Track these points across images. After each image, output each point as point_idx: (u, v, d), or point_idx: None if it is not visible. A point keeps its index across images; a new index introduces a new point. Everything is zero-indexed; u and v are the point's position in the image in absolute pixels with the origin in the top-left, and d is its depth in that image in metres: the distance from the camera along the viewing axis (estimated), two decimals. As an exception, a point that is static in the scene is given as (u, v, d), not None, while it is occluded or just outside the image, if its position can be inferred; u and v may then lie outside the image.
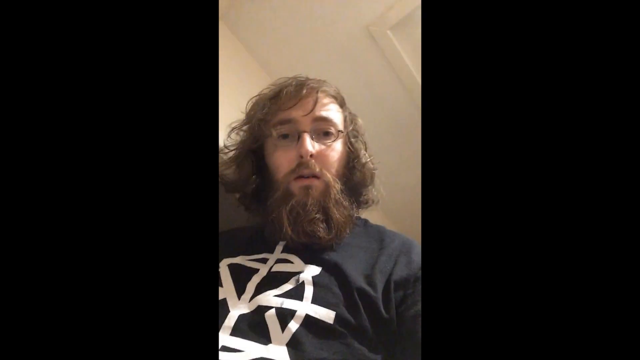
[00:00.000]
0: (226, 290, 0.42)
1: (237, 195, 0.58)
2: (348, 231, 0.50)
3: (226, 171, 0.56)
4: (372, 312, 0.39)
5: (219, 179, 0.56)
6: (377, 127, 1.09)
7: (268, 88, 0.54)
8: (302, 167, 0.48)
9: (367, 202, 0.57)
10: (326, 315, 0.38)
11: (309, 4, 0.91)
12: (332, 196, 0.48)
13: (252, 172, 0.55)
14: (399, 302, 0.41)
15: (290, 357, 0.34)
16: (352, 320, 0.38)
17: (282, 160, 0.49)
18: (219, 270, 0.46)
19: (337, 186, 0.49)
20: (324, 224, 0.47)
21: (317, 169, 0.48)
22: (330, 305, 0.39)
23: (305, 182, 0.48)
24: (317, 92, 0.51)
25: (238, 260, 0.47)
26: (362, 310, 0.39)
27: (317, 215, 0.47)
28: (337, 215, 0.48)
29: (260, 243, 0.51)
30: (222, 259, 0.48)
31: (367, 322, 0.39)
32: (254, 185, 0.56)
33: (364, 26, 0.92)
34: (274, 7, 0.92)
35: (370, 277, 0.43)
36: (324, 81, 0.54)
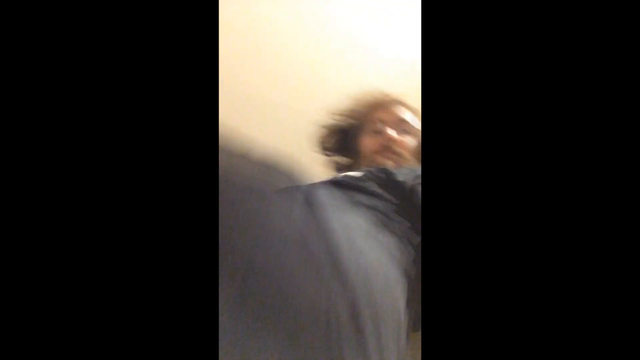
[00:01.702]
0: None
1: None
2: None
3: (326, 143, 0.82)
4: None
5: (321, 146, 0.82)
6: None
7: (369, 95, 0.78)
8: (386, 150, 0.68)
9: None
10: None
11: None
12: (404, 157, 0.67)
13: (340, 144, 0.79)
14: None
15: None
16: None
17: (372, 143, 0.70)
18: None
19: (408, 156, 0.68)
20: None
21: (397, 149, 0.67)
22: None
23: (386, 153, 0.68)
24: (399, 102, 0.74)
25: None
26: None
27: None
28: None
29: None
30: None
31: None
32: (345, 162, 0.78)
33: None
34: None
35: None
36: (405, 95, 0.76)
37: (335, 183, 0.50)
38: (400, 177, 0.50)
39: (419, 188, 0.47)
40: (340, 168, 0.79)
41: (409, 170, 0.54)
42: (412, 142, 0.70)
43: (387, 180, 0.51)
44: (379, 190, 0.48)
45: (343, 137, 0.80)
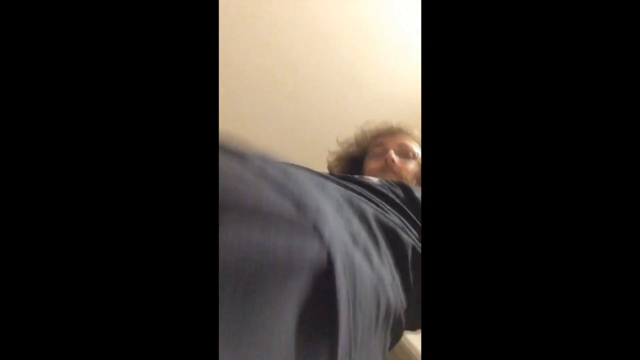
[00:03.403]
0: None
1: None
2: None
3: (335, 168, 0.86)
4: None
5: (329, 171, 0.85)
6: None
7: (373, 124, 0.84)
8: (387, 169, 0.70)
9: None
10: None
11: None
12: (404, 178, 0.68)
13: (347, 169, 0.83)
14: None
15: None
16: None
17: (374, 165, 0.74)
18: None
19: (408, 177, 0.70)
20: None
21: (397, 170, 0.70)
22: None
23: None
24: (401, 131, 0.79)
25: None
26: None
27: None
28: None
29: None
30: None
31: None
32: None
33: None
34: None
35: None
36: (406, 124, 0.81)
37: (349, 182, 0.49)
38: (417, 194, 0.51)
39: None
40: None
41: None
42: (412, 165, 0.73)
43: (404, 193, 0.51)
44: (397, 200, 0.48)
45: (350, 163, 0.84)
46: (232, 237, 0.22)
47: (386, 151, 0.73)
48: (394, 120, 0.84)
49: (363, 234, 0.36)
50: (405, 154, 0.74)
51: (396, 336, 0.39)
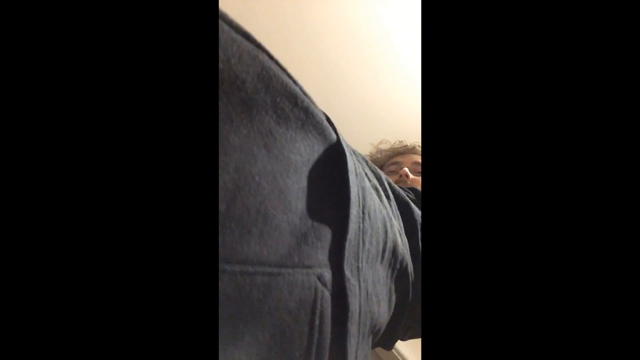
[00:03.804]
0: None
1: None
2: None
3: None
4: None
5: None
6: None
7: (388, 144, 0.90)
8: (401, 182, 0.73)
9: None
10: None
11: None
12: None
13: None
14: None
15: None
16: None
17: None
18: None
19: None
20: None
21: (410, 185, 0.72)
22: None
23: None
24: (416, 150, 0.84)
25: None
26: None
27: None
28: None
29: None
30: None
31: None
32: None
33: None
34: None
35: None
36: (420, 144, 0.86)
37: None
38: None
39: None
40: None
41: None
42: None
43: (415, 196, 0.53)
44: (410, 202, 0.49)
45: None
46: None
47: (401, 168, 0.77)
48: (409, 140, 0.88)
49: (374, 180, 0.34)
50: (419, 171, 0.78)
51: (402, 296, 0.35)
